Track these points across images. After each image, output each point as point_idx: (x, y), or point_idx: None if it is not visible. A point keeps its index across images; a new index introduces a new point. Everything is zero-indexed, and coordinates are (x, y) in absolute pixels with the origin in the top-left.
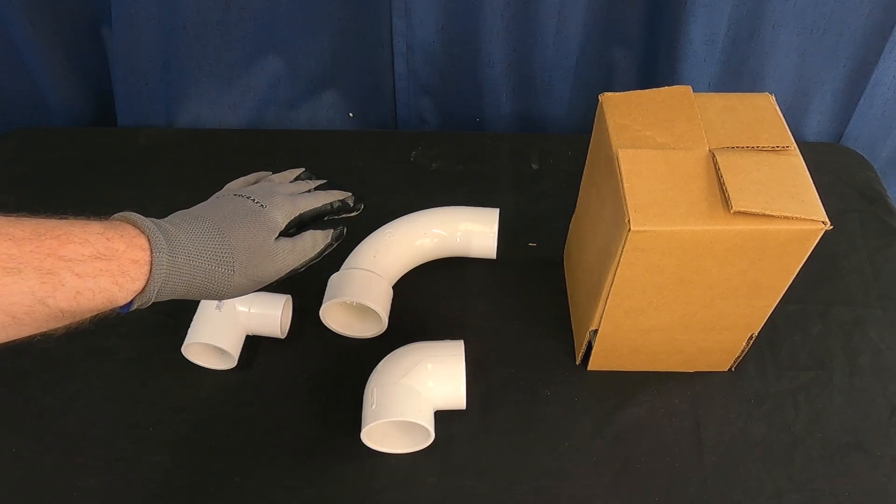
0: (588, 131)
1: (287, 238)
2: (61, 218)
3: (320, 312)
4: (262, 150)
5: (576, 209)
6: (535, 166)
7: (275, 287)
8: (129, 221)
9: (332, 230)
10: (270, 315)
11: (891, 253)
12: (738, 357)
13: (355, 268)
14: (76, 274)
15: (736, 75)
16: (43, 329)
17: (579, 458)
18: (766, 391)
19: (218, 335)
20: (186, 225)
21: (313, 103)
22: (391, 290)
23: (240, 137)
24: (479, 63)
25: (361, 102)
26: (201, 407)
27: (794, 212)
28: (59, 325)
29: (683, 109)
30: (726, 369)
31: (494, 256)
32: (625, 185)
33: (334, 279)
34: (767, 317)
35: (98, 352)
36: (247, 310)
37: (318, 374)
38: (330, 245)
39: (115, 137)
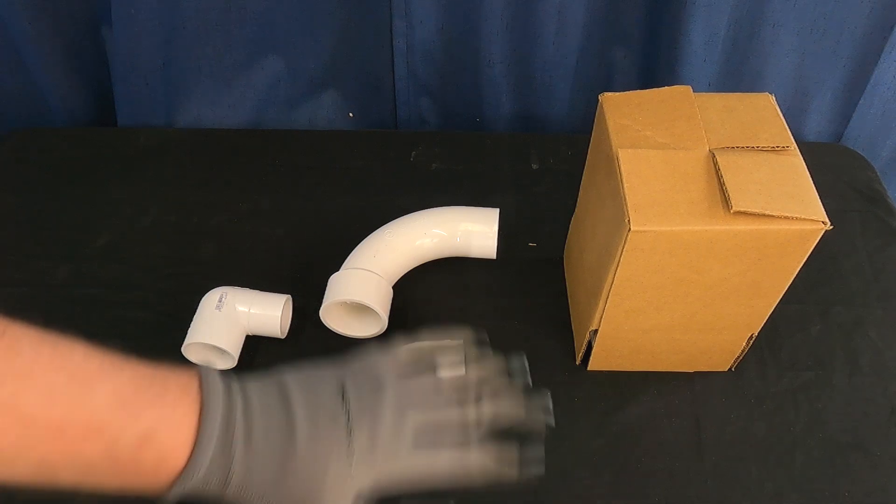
0: (588, 131)
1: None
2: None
3: (320, 312)
4: (262, 150)
5: (576, 209)
6: (535, 166)
7: (275, 287)
8: (199, 394)
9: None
10: (270, 315)
11: (891, 253)
12: (738, 357)
13: (355, 268)
14: (84, 473)
15: (736, 75)
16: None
17: (579, 458)
18: (766, 391)
19: (218, 335)
20: (255, 433)
21: (313, 103)
22: (391, 290)
23: (240, 137)
24: (479, 63)
25: (361, 102)
26: None
27: (794, 212)
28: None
29: (683, 109)
30: (726, 369)
31: (494, 256)
32: (625, 185)
33: (334, 279)
34: (767, 317)
35: None
36: (247, 310)
37: None
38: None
39: (115, 137)
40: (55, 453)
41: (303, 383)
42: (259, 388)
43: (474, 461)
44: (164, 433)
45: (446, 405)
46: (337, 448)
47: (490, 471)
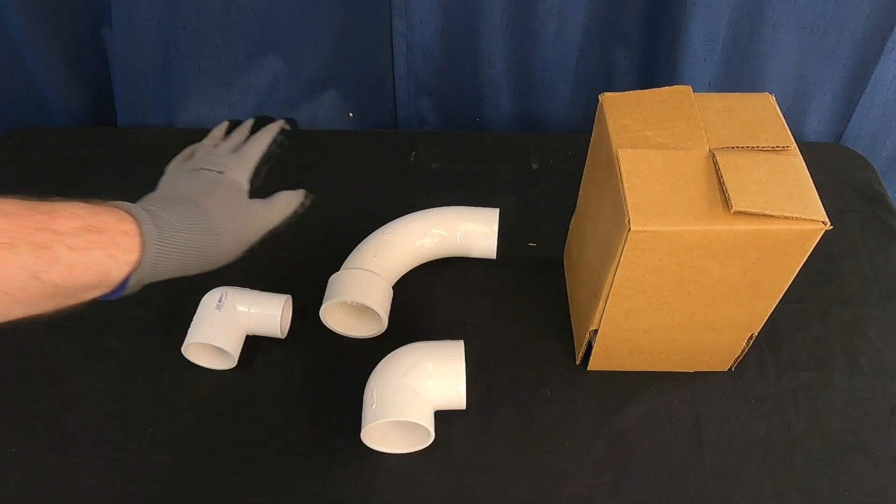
0: (588, 131)
1: (260, 199)
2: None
3: (320, 312)
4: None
5: (576, 209)
6: (535, 166)
7: (275, 287)
8: (110, 205)
9: (302, 190)
10: (270, 315)
11: (891, 253)
12: (738, 357)
13: (355, 268)
14: (69, 247)
15: (736, 75)
16: (35, 309)
17: (579, 458)
18: (766, 391)
19: (218, 335)
20: (162, 203)
21: (313, 103)
22: (391, 290)
23: None
24: (479, 63)
25: (361, 102)
26: (201, 407)
27: (794, 212)
28: (52, 304)
29: (683, 109)
30: (726, 369)
31: (494, 256)
32: (625, 185)
33: (334, 279)
34: (767, 317)
35: (98, 352)
36: (247, 310)
37: (318, 374)
38: (303, 203)
39: (115, 137)
40: (34, 232)
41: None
42: (149, 201)
43: (263, 136)
44: (103, 207)
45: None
46: (200, 174)
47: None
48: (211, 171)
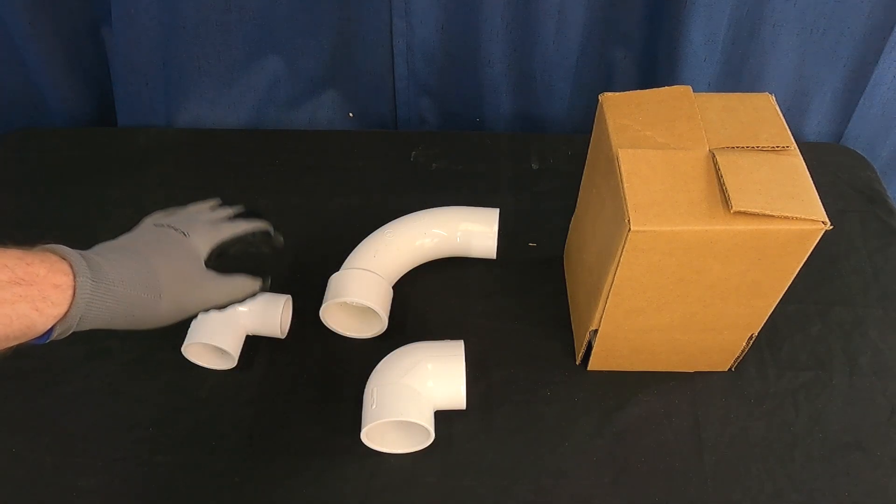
0: (588, 131)
1: (216, 273)
2: None
3: (320, 312)
4: (262, 150)
5: (576, 209)
6: (535, 166)
7: (275, 287)
8: (50, 250)
9: (261, 280)
10: (270, 315)
11: (891, 253)
12: (738, 357)
13: (355, 268)
14: None
15: (736, 75)
16: None
17: (579, 458)
18: (766, 391)
19: (218, 335)
20: (110, 254)
21: (313, 103)
22: (391, 290)
23: (240, 137)
24: (479, 63)
25: (361, 102)
26: (201, 407)
27: (794, 212)
28: None
29: (683, 109)
30: (726, 369)
31: (494, 256)
32: (625, 185)
33: (334, 279)
34: (767, 317)
35: (98, 352)
36: (247, 310)
37: (318, 374)
38: (255, 294)
39: (115, 137)
40: None
41: (129, 236)
42: (98, 249)
43: (248, 224)
44: (40, 254)
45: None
46: (168, 232)
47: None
48: (176, 230)
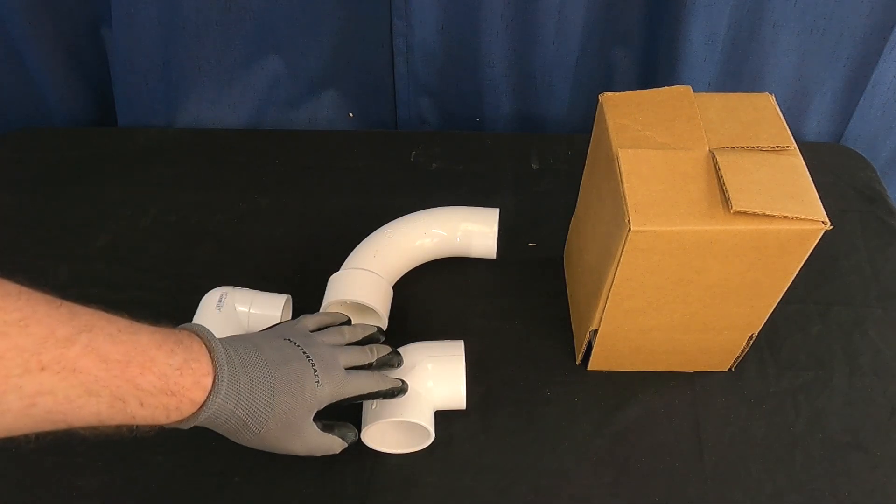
0: (588, 131)
1: (318, 428)
2: (153, 325)
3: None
4: (262, 150)
5: (576, 209)
6: (535, 166)
7: (275, 287)
8: (203, 342)
9: (353, 438)
10: (270, 315)
11: (891, 253)
12: (738, 357)
13: (355, 268)
14: (142, 404)
15: (736, 75)
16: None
17: (579, 458)
18: (766, 391)
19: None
20: (249, 364)
21: (313, 103)
22: (391, 290)
23: (240, 137)
24: (479, 63)
25: (361, 102)
26: None
27: (794, 212)
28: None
29: (683, 109)
30: (726, 369)
31: (494, 256)
32: (625, 185)
33: (334, 279)
34: (767, 317)
35: None
36: (247, 310)
37: None
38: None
39: (115, 137)
40: (122, 384)
41: (260, 336)
42: (231, 340)
43: (380, 381)
44: (194, 362)
45: (351, 346)
46: (308, 371)
47: (334, 448)
48: (314, 371)
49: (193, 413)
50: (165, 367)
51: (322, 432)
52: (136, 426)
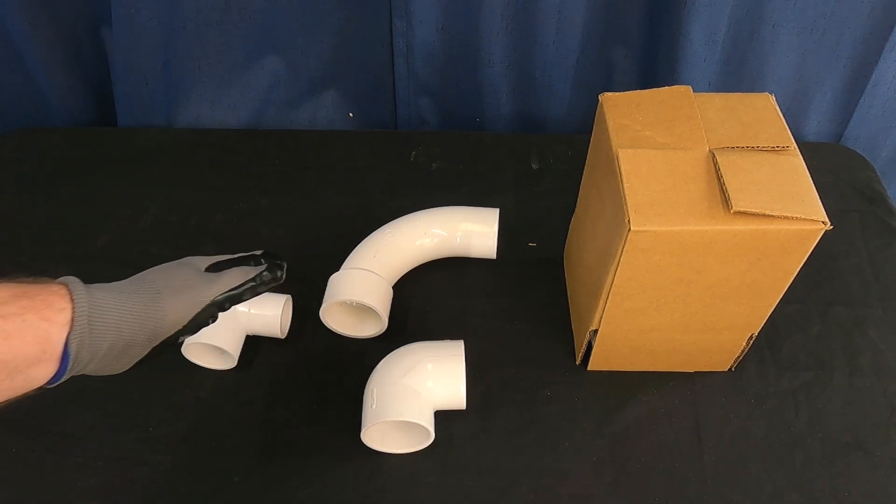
0: (588, 131)
1: (212, 272)
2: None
3: (320, 312)
4: (262, 150)
5: (576, 209)
6: (535, 166)
7: (274, 287)
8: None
9: (259, 268)
10: (270, 315)
11: (891, 253)
12: (738, 357)
13: (355, 268)
14: (1, 316)
15: (736, 75)
16: None
17: (579, 458)
18: (766, 391)
19: (218, 335)
20: (101, 285)
21: (313, 103)
22: (391, 290)
23: (240, 137)
24: (479, 63)
25: (361, 102)
26: (201, 407)
27: (794, 212)
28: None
29: (683, 109)
30: (726, 369)
31: (494, 256)
32: (625, 185)
33: (334, 279)
34: (767, 317)
35: None
36: (247, 310)
37: (318, 374)
38: (259, 281)
39: (115, 137)
40: None
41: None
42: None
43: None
44: (41, 289)
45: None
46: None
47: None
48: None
49: (72, 302)
50: None
51: (218, 272)
52: (44, 353)
